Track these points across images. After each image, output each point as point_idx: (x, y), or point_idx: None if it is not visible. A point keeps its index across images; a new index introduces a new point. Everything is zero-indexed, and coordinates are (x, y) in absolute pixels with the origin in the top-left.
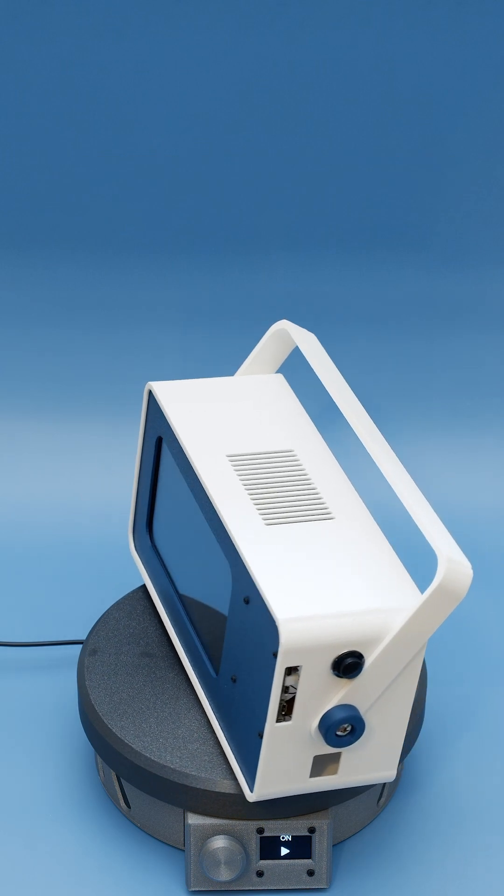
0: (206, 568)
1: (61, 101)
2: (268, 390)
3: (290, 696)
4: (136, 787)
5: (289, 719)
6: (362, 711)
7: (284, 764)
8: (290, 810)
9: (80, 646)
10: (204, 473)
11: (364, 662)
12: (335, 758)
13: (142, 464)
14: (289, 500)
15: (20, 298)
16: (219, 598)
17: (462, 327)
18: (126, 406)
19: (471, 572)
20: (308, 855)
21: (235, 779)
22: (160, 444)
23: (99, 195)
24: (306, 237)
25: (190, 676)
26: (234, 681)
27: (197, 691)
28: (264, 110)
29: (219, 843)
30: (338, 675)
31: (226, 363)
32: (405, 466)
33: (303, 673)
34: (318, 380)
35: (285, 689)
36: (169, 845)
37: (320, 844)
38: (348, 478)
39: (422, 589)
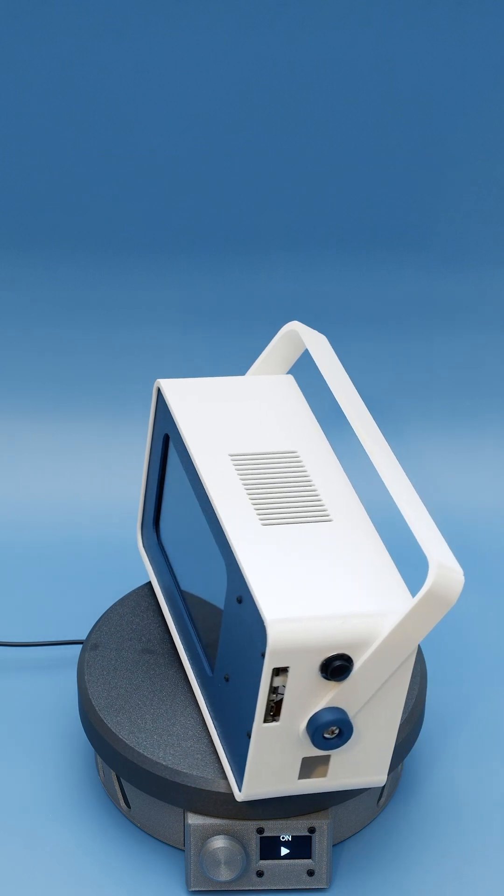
0: (205, 566)
1: (61, 101)
2: (276, 391)
3: (280, 696)
4: (135, 787)
5: (277, 720)
6: (351, 715)
7: (272, 765)
8: (290, 810)
9: (80, 646)
10: (204, 471)
11: (353, 666)
12: (324, 760)
13: (150, 461)
14: (287, 501)
15: (20, 298)
16: (216, 597)
17: (462, 327)
18: (126, 406)
19: (462, 578)
20: (308, 855)
21: None
22: (167, 441)
23: (99, 195)
24: (306, 237)
25: (188, 674)
26: (227, 680)
27: (194, 689)
28: (264, 110)
29: (219, 843)
30: (326, 678)
31: (226, 363)
32: (405, 466)
33: (291, 674)
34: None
35: (274, 690)
36: (169, 845)
37: (320, 844)
38: (354, 480)
39: (415, 594)
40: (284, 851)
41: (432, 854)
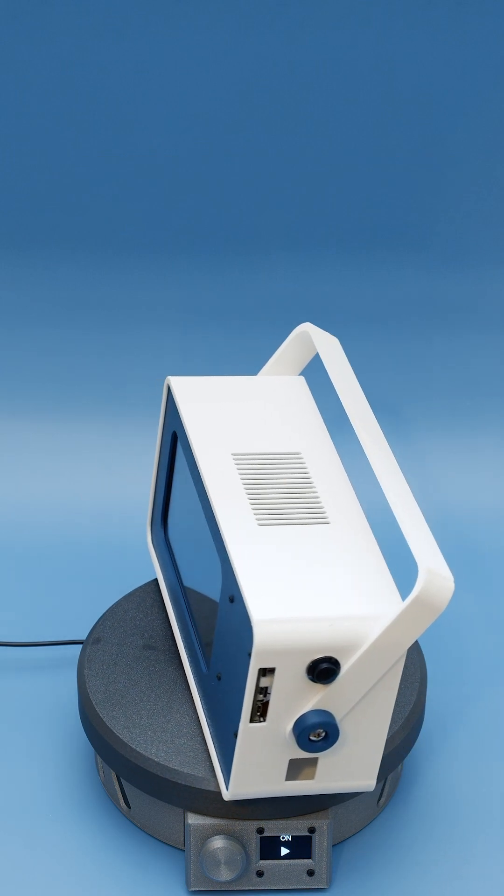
0: (204, 564)
1: (61, 101)
2: (285, 392)
3: (268, 698)
4: (135, 787)
5: (263, 721)
6: (338, 718)
7: (259, 765)
8: (290, 810)
9: (80, 646)
10: (205, 470)
11: (340, 669)
12: (312, 763)
13: (159, 458)
14: (286, 503)
15: (20, 298)
16: (215, 596)
17: (462, 327)
18: (126, 406)
19: (452, 585)
20: (308, 855)
21: None
22: (175, 439)
23: (99, 195)
24: (306, 237)
25: (186, 671)
26: (219, 678)
27: (191, 687)
28: (264, 110)
29: (219, 843)
30: (313, 680)
31: (226, 363)
32: (405, 467)
33: (277, 675)
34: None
35: (263, 691)
36: (169, 845)
37: (320, 844)
38: (359, 482)
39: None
40: (284, 851)
41: (432, 854)
